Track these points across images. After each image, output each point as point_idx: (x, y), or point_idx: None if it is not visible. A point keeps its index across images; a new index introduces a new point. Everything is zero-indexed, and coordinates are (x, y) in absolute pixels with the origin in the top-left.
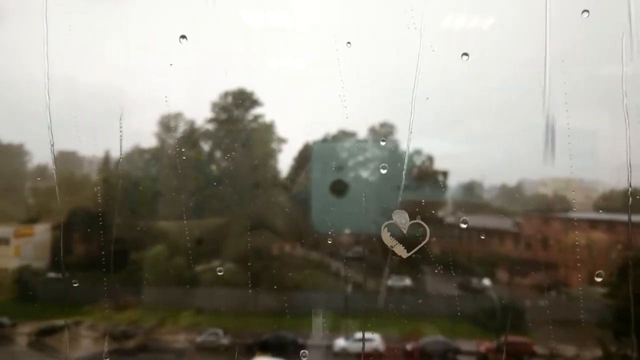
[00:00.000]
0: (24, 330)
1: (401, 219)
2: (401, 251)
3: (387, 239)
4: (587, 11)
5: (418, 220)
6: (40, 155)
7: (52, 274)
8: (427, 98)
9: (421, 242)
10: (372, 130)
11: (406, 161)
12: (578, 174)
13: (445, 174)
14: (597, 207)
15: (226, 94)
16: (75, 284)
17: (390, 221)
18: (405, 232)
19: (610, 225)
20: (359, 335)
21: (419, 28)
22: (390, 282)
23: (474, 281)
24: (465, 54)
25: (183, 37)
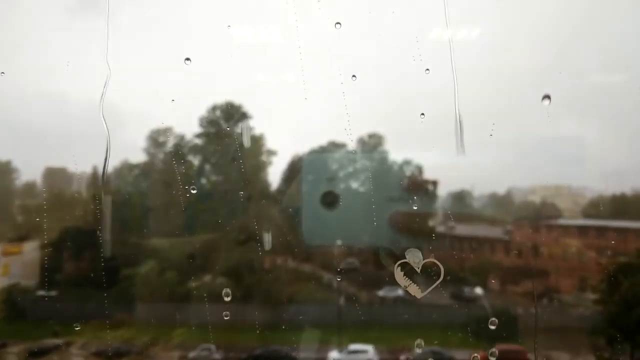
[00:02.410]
0: (14, 350)
1: (414, 257)
2: (415, 291)
3: (401, 278)
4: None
5: (432, 259)
6: (28, 173)
7: (41, 292)
8: (422, 114)
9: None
10: (361, 141)
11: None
12: (566, 180)
13: (435, 183)
14: (585, 214)
15: (214, 108)
16: (76, 327)
17: (404, 260)
18: (418, 270)
19: (599, 231)
20: (352, 347)
21: (408, 40)
22: (382, 293)
23: (467, 290)
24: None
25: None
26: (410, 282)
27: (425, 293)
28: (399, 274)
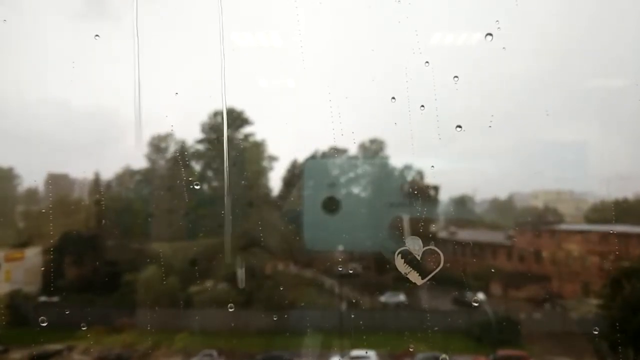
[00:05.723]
0: (16, 356)
1: (414, 245)
2: (416, 278)
3: (401, 266)
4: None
5: (432, 247)
6: (30, 179)
7: (43, 298)
8: (422, 106)
9: (435, 269)
10: (363, 147)
11: None
12: (568, 185)
13: (436, 188)
14: (587, 219)
15: (216, 114)
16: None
17: (404, 247)
18: (419, 258)
19: (602, 236)
20: (354, 352)
21: (410, 45)
22: (384, 299)
23: (468, 295)
24: (456, 76)
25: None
26: (410, 269)
27: (425, 280)
28: (399, 262)
